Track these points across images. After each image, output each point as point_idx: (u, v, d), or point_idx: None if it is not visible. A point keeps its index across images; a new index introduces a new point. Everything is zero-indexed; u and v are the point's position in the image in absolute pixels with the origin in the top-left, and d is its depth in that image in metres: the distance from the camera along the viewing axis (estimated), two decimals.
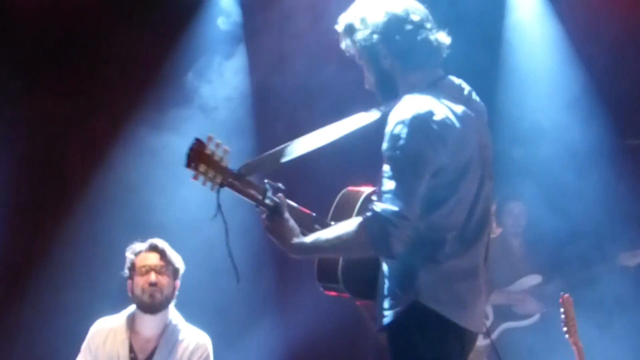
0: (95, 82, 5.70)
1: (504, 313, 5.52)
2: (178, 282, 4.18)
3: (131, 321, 4.18)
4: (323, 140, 2.92)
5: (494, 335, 5.39)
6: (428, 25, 2.81)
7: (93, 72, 5.70)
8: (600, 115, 5.71)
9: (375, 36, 2.79)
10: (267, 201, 2.87)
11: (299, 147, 2.92)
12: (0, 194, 5.53)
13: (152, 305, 4.10)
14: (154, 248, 4.18)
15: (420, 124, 2.64)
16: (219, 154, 2.83)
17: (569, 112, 5.76)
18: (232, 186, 2.85)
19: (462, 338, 2.80)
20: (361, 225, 2.66)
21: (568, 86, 5.82)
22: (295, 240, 2.83)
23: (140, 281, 4.12)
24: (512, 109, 5.74)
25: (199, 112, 5.64)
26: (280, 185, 2.93)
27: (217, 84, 5.78)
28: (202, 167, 2.80)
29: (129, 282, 4.18)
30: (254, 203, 2.88)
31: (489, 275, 2.94)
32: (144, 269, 4.12)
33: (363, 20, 2.82)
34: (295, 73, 5.62)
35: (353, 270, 2.91)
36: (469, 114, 2.79)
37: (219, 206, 2.83)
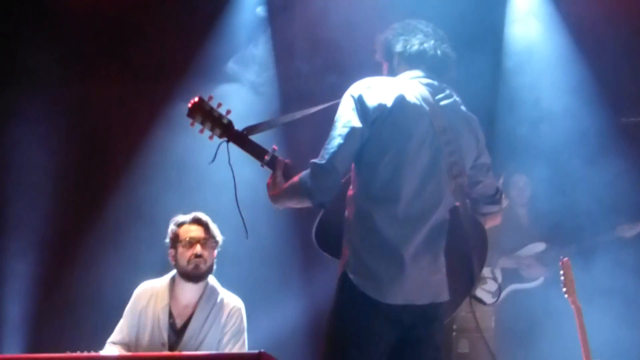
0: (138, 66, 5.96)
1: (511, 276, 5.72)
2: (215, 252, 4.27)
3: (172, 287, 4.25)
4: (313, 109, 3.38)
5: (503, 295, 5.59)
6: (435, 37, 3.27)
7: (136, 58, 5.97)
8: (603, 98, 5.90)
9: (391, 38, 3.29)
10: (265, 161, 3.29)
11: (293, 115, 3.40)
12: (53, 169, 5.79)
13: (196, 275, 4.19)
14: (197, 221, 4.27)
15: (352, 95, 3.05)
16: (219, 111, 3.31)
17: (573, 95, 5.91)
18: (236, 142, 3.28)
19: (387, 311, 2.94)
20: (300, 174, 3.04)
21: (572, 72, 5.99)
22: (275, 191, 3.22)
23: (185, 252, 4.19)
24: (519, 93, 5.94)
25: (239, 94, 5.79)
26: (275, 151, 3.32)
27: (254, 67, 5.98)
28: (199, 118, 3.28)
29: (171, 251, 4.26)
30: (258, 161, 3.31)
31: (462, 255, 3.08)
32: (188, 241, 4.20)
33: (390, 29, 3.33)
34: (324, 56, 5.83)
35: (329, 231, 3.15)
36: (424, 105, 3.09)
37: (215, 156, 3.26)
